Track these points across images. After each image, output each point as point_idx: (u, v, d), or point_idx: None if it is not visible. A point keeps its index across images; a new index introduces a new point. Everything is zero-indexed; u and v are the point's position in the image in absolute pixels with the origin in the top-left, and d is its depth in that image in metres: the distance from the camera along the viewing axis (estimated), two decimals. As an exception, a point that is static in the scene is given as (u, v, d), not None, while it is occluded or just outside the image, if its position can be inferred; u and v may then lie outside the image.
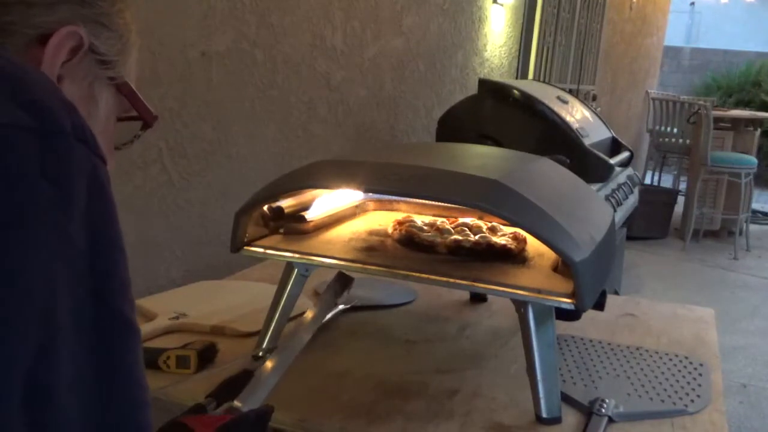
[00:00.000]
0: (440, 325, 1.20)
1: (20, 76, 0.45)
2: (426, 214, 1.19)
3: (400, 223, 1.07)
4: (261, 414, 0.72)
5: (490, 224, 1.09)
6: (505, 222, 0.99)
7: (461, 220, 1.11)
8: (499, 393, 0.95)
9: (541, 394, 0.87)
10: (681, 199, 5.75)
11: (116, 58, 0.62)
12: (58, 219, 0.39)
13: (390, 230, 1.04)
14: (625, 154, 2.66)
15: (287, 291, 1.00)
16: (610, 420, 0.89)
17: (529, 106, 2.35)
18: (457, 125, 2.50)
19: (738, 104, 8.64)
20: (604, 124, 2.80)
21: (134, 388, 0.44)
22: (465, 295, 1.32)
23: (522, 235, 1.02)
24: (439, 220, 1.11)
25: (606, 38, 5.53)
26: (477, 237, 1.01)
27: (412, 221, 1.07)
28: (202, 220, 1.67)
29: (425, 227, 1.05)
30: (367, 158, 0.98)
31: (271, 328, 1.00)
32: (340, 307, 1.18)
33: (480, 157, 1.17)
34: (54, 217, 0.39)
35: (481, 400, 0.93)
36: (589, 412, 0.90)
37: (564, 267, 0.88)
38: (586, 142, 2.35)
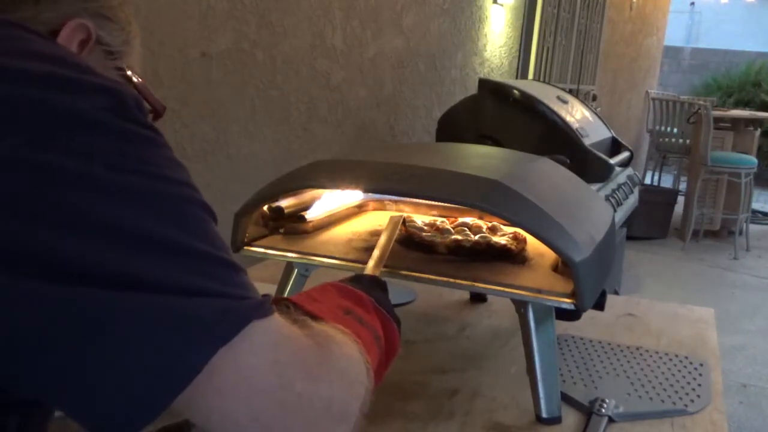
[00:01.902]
0: (440, 325, 1.20)
1: (77, 61, 0.48)
2: (426, 214, 1.19)
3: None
4: (374, 278, 0.78)
5: (490, 224, 1.09)
6: (505, 222, 0.99)
7: (461, 220, 1.11)
8: (499, 393, 0.95)
9: (541, 394, 0.87)
10: (681, 199, 5.75)
11: (122, 48, 0.65)
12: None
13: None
14: (625, 154, 2.66)
15: (287, 291, 1.00)
16: (610, 420, 0.89)
17: (529, 106, 2.36)
18: (457, 125, 2.50)
19: (738, 104, 8.64)
20: (604, 124, 2.80)
21: None
22: (465, 295, 1.32)
23: (522, 235, 1.02)
24: (439, 220, 1.11)
25: (606, 38, 5.53)
26: (477, 237, 1.01)
27: (412, 221, 1.07)
28: (202, 220, 1.67)
29: (425, 227, 1.05)
30: (367, 158, 0.97)
31: (271, 328, 1.00)
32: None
33: (480, 157, 1.17)
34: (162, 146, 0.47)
35: (481, 400, 0.93)
36: (589, 412, 0.90)
37: (564, 267, 0.88)
38: (586, 142, 2.35)
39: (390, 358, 0.69)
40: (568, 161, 1.68)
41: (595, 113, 2.84)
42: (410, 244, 0.98)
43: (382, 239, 0.91)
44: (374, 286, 0.74)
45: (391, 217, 1.00)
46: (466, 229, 1.06)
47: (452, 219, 1.13)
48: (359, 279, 0.75)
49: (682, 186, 6.26)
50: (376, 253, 0.87)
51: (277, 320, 0.46)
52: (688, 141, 6.06)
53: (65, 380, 0.39)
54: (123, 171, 0.42)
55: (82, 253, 0.39)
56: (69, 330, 0.38)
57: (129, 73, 0.66)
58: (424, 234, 1.00)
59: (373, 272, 0.82)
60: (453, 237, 1.00)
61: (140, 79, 0.68)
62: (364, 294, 0.68)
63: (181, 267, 0.42)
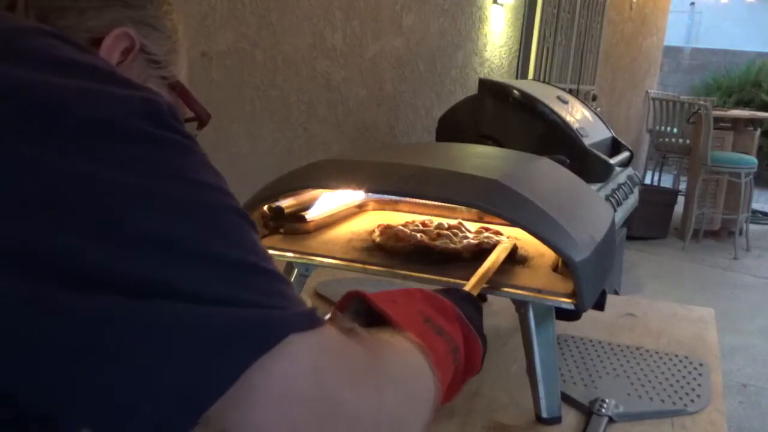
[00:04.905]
0: (440, 325, 1.19)
1: (111, 70, 0.47)
2: (426, 214, 1.19)
3: (389, 232, 1.01)
4: (469, 294, 0.75)
5: (455, 222, 1.09)
6: (504, 222, 0.99)
7: (437, 222, 1.09)
8: (499, 393, 0.95)
9: (541, 394, 0.87)
10: (681, 199, 5.75)
11: (166, 57, 0.64)
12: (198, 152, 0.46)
13: (392, 243, 0.98)
14: (625, 154, 2.66)
15: (287, 291, 1.00)
16: (610, 420, 0.89)
17: (529, 106, 2.36)
18: (457, 125, 2.51)
19: (738, 104, 8.64)
20: (604, 124, 2.80)
21: None
22: (465, 295, 1.31)
23: (492, 229, 1.03)
24: (419, 222, 1.09)
25: (606, 38, 5.53)
26: (483, 237, 1.01)
27: (391, 228, 1.03)
28: (202, 220, 1.67)
29: (419, 234, 1.02)
30: (367, 158, 0.97)
31: (271, 328, 0.99)
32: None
33: (480, 157, 1.17)
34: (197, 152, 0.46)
35: (481, 400, 0.93)
36: (589, 412, 0.90)
37: (564, 267, 0.88)
38: (586, 142, 2.35)
39: (468, 375, 0.65)
40: (568, 161, 1.68)
41: (595, 113, 2.84)
42: (429, 256, 0.95)
43: (491, 258, 0.89)
44: (465, 301, 0.71)
45: (502, 243, 0.97)
46: (461, 231, 1.06)
47: (428, 221, 1.10)
48: (452, 291, 0.72)
49: (682, 186, 6.26)
50: (480, 270, 0.85)
51: (323, 330, 0.43)
52: (688, 141, 6.06)
53: (86, 394, 0.37)
54: (157, 178, 0.41)
55: (110, 260, 0.38)
56: (90, 340, 0.37)
57: (173, 81, 0.65)
58: (439, 242, 0.98)
59: (471, 289, 0.79)
60: (468, 241, 0.99)
61: (186, 88, 0.67)
62: (449, 302, 0.64)
63: (216, 275, 0.40)
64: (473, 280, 0.81)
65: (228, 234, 0.42)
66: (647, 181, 6.64)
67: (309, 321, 0.42)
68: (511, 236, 1.03)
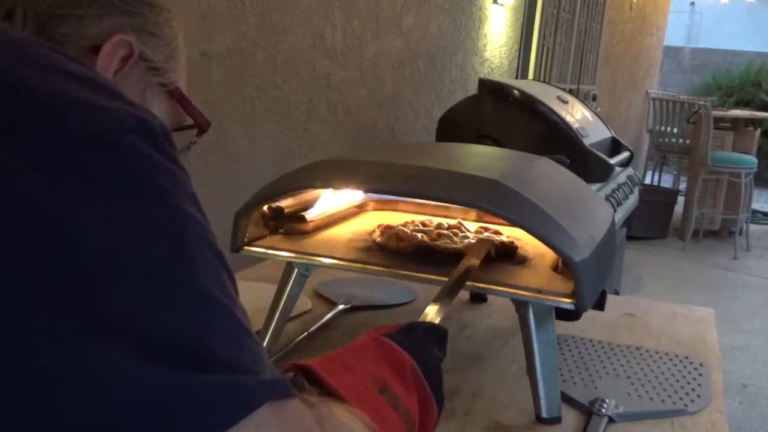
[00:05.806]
0: (440, 325, 1.19)
1: (108, 85, 0.45)
2: (426, 214, 1.19)
3: (390, 232, 1.01)
4: (433, 326, 0.68)
5: (456, 221, 1.09)
6: (504, 222, 0.99)
7: (437, 221, 1.10)
8: (499, 393, 0.95)
9: (541, 394, 0.87)
10: (681, 199, 5.75)
11: (165, 64, 0.64)
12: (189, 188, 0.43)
13: (393, 243, 0.98)
14: (625, 154, 2.66)
15: (287, 291, 1.00)
16: (610, 420, 0.89)
17: (529, 106, 2.36)
18: (457, 125, 2.50)
19: (738, 104, 8.64)
20: (604, 124, 2.80)
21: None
22: (465, 295, 1.31)
23: (492, 229, 1.03)
24: (418, 224, 1.09)
25: (606, 38, 5.53)
26: (485, 237, 1.01)
27: (392, 228, 1.03)
28: (202, 220, 1.67)
29: (419, 234, 1.02)
30: (367, 158, 0.97)
31: (271, 328, 1.00)
32: (340, 307, 1.18)
33: (480, 157, 1.17)
34: (187, 187, 0.43)
35: (481, 400, 0.93)
36: (589, 412, 0.90)
37: (564, 267, 0.88)
38: (586, 142, 2.35)
39: None
40: (568, 161, 1.68)
41: (595, 113, 2.84)
42: (432, 257, 0.94)
43: (460, 268, 0.85)
44: (429, 341, 0.65)
45: (481, 240, 0.94)
46: (461, 231, 1.06)
47: (427, 221, 1.11)
48: (414, 330, 0.65)
49: (682, 186, 6.26)
50: (447, 283, 0.81)
51: (291, 403, 0.41)
52: (688, 141, 6.06)
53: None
54: (144, 198, 0.39)
55: (79, 284, 0.35)
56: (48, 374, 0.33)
57: (173, 88, 0.65)
58: (440, 242, 0.98)
59: (438, 312, 0.73)
60: (470, 241, 0.99)
61: (185, 95, 0.66)
62: (408, 360, 0.59)
63: (196, 314, 0.38)
64: (432, 307, 0.75)
65: (211, 273, 0.40)
66: (647, 181, 6.64)
67: (281, 390, 0.40)
68: (511, 236, 1.03)
